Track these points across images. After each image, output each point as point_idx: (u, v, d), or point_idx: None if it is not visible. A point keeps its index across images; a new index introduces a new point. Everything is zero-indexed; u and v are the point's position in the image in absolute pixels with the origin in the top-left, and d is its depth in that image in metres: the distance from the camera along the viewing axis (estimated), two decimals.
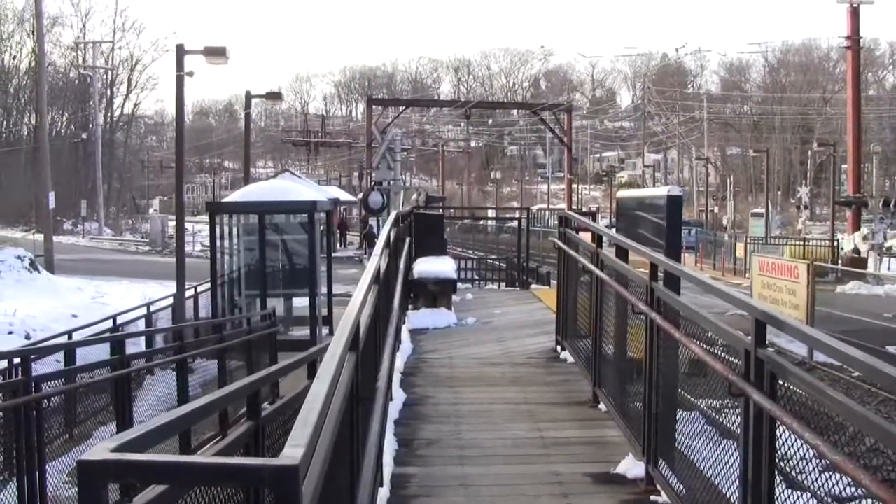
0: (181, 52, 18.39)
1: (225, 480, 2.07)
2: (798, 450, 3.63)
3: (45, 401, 8.01)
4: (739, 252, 36.46)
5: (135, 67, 77.17)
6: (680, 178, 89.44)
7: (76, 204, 63.25)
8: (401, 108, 54.96)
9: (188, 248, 23.12)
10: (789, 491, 3.97)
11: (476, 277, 20.87)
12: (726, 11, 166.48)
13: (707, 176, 69.01)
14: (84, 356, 11.36)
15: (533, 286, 18.42)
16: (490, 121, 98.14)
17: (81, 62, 70.39)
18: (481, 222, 47.95)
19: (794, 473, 4.60)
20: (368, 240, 39.05)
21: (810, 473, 3.88)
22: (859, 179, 36.00)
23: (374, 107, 49.11)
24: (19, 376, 8.28)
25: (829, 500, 5.92)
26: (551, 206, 67.83)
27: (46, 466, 7.74)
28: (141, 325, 16.21)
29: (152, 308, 17.33)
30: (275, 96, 41.00)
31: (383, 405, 5.30)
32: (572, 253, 9.18)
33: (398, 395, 7.92)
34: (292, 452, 1.87)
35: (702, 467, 4.79)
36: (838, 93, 72.30)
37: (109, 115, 75.74)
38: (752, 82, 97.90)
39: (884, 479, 8.90)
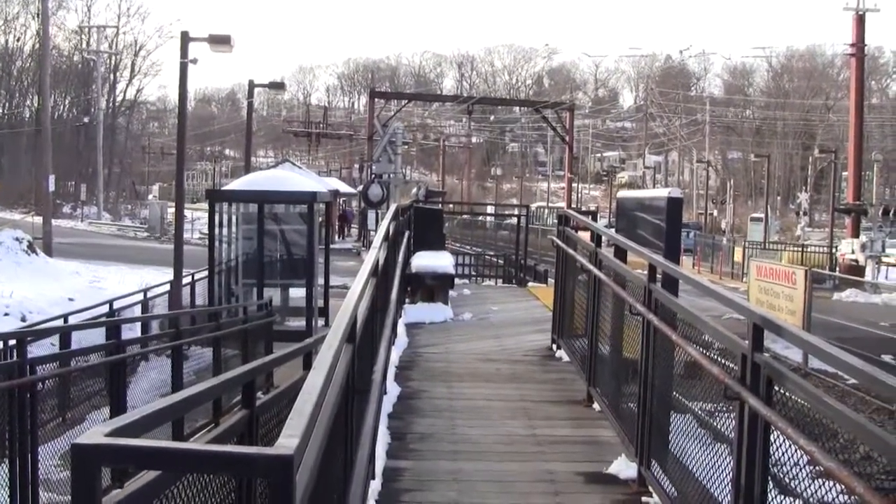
0: (185, 39, 18.31)
1: (220, 468, 2.06)
2: (791, 456, 3.62)
3: (40, 384, 8.00)
4: (737, 256, 36.43)
5: (138, 53, 76.98)
6: (680, 180, 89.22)
7: (76, 188, 63.12)
8: (403, 102, 54.64)
9: (187, 236, 23.07)
10: (781, 497, 3.97)
11: (474, 273, 20.91)
12: (731, 15, 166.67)
13: (707, 179, 68.90)
14: (79, 340, 11.34)
15: (530, 284, 18.46)
16: (492, 117, 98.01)
17: (85, 46, 70.18)
18: (480, 218, 47.96)
19: (786, 479, 4.59)
20: None
21: (803, 480, 3.88)
22: (859, 187, 35.87)
23: (376, 100, 48.90)
24: (14, 358, 8.26)
25: None
26: (551, 205, 67.77)
27: (39, 449, 7.73)
28: (137, 311, 16.18)
29: (149, 294, 17.32)
30: (278, 86, 41.01)
31: (378, 398, 5.29)
32: (571, 252, 9.16)
33: (392, 389, 7.92)
34: (288, 442, 1.87)
35: (694, 470, 4.78)
36: (841, 100, 72.25)
37: (112, 100, 75.53)
38: (755, 87, 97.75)
39: (877, 487, 8.90)
